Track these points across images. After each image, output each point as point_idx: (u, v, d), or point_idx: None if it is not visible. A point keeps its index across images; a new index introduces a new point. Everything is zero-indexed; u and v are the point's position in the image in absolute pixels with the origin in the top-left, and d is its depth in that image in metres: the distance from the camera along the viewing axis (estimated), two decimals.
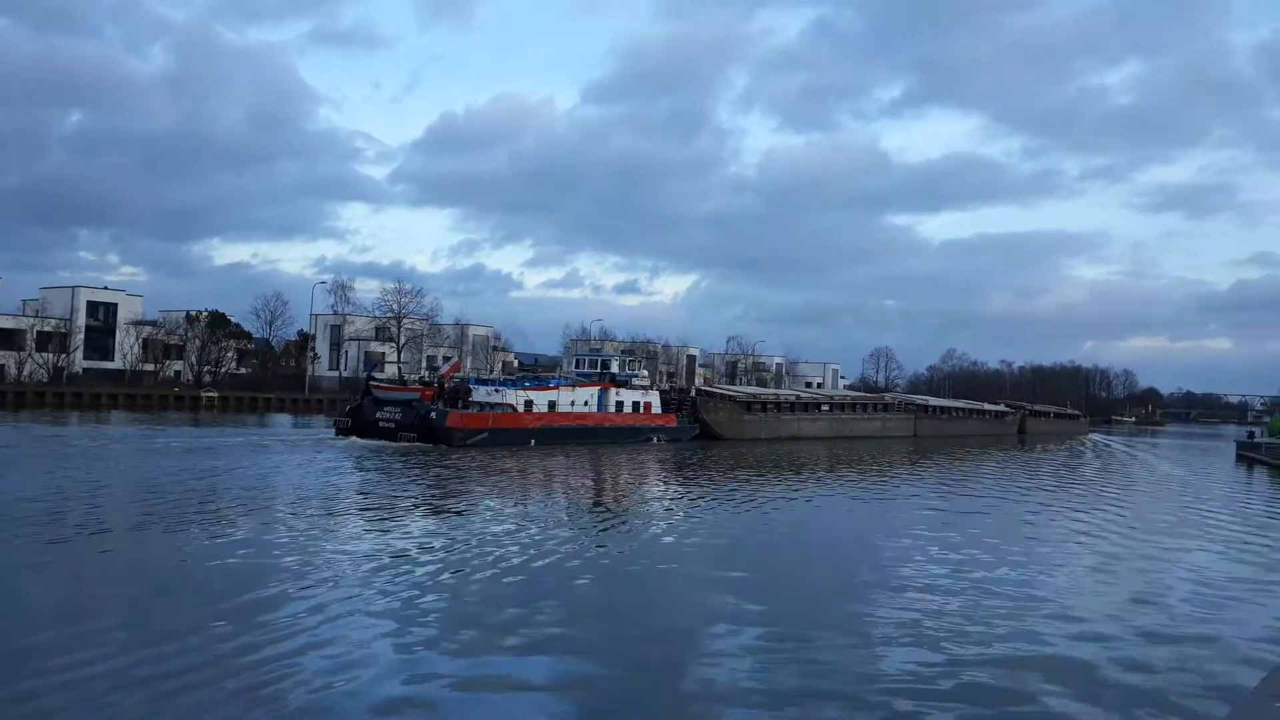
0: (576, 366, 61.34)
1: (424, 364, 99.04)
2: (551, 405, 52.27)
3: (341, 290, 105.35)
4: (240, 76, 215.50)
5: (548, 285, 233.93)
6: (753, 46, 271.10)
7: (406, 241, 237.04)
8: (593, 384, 55.97)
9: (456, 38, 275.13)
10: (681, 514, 27.43)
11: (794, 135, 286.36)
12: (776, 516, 27.25)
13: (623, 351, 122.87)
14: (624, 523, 25.16)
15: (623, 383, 57.76)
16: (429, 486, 30.47)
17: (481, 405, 49.63)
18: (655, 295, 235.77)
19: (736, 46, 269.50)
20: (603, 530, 23.24)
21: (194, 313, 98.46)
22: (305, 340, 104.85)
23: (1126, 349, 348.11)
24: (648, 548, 20.53)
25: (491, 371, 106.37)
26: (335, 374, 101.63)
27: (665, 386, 71.47)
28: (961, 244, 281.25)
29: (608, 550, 19.95)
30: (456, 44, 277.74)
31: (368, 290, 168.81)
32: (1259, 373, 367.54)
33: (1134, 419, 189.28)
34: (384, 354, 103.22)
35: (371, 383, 52.17)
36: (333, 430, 49.42)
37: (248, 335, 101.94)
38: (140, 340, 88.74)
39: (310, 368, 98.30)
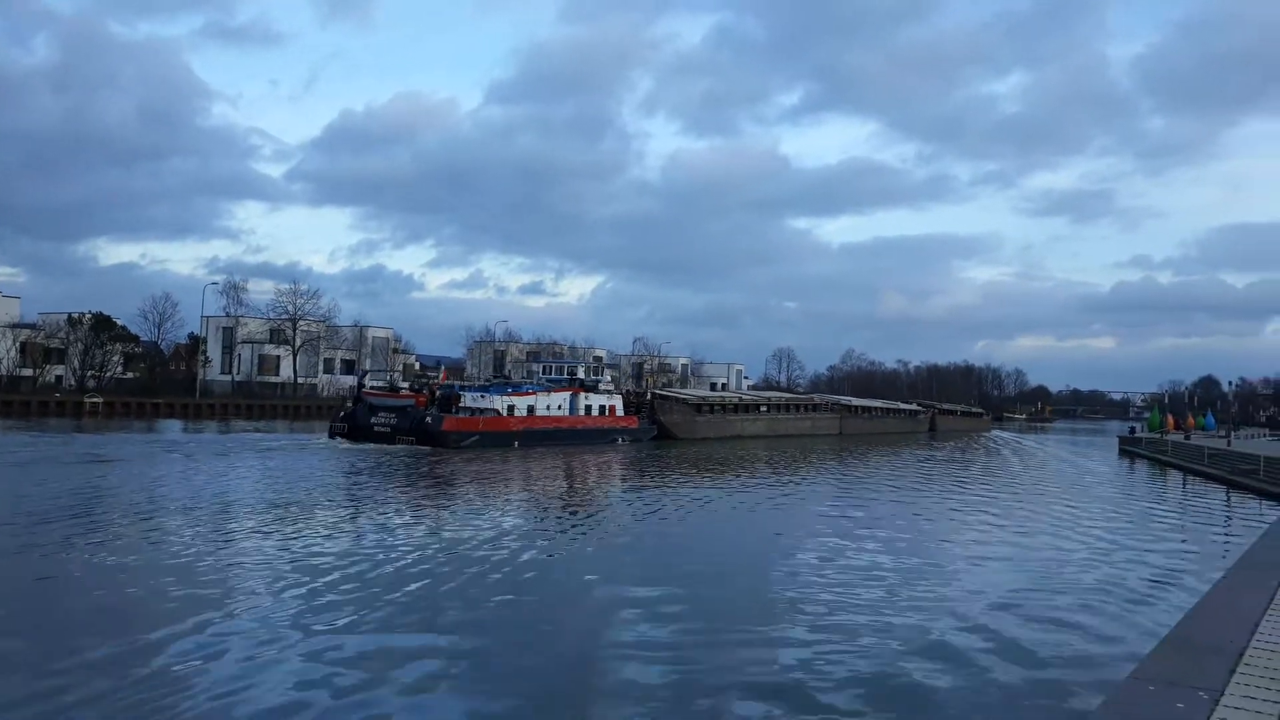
0: (544, 373, 65.05)
1: (331, 366, 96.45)
2: (530, 410, 55.83)
3: (234, 291, 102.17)
4: (130, 71, 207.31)
5: (450, 286, 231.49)
6: (656, 51, 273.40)
7: (304, 242, 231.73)
8: (564, 389, 59.72)
9: (356, 35, 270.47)
10: (638, 511, 28.02)
11: (697, 139, 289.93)
12: (721, 510, 27.36)
13: (528, 354, 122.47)
14: (595, 519, 25.49)
15: (590, 387, 62.07)
16: (455, 482, 33.91)
17: (471, 410, 52.58)
18: (561, 296, 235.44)
19: (640, 51, 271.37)
20: (571, 528, 22.91)
21: (77, 315, 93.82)
22: (196, 343, 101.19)
23: (1017, 348, 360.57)
24: (599, 544, 20.27)
25: (391, 375, 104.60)
26: (228, 378, 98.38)
27: (628, 390, 75.77)
28: (859, 247, 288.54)
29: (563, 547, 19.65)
30: (356, 42, 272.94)
31: (262, 292, 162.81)
32: (1140, 370, 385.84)
33: (1025, 416, 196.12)
34: (278, 356, 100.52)
35: (364, 390, 55.41)
36: (327, 434, 51.55)
37: (135, 338, 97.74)
38: (18, 344, 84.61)
39: (202, 371, 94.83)
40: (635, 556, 19.84)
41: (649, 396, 71.44)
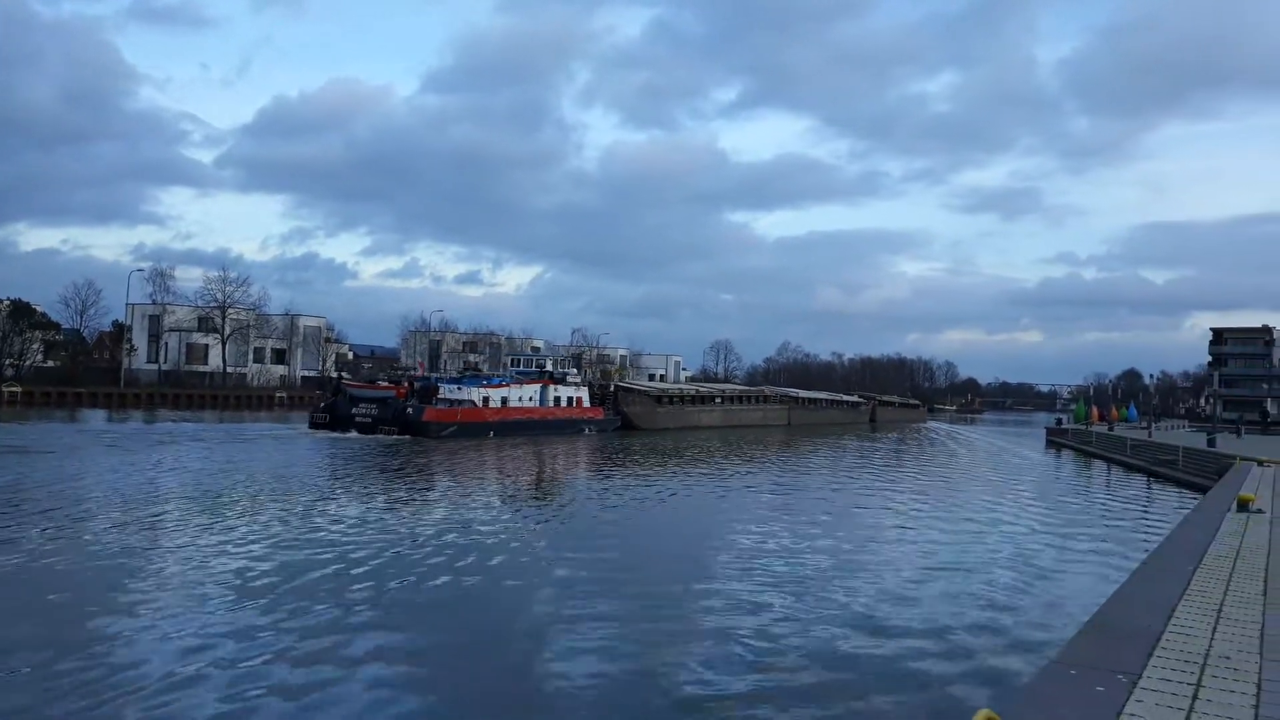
0: (513, 365, 67.94)
1: (252, 353, 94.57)
2: (504, 401, 58.03)
3: (160, 279, 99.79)
4: (53, 51, 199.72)
5: (385, 275, 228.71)
6: (595, 43, 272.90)
7: (234, 229, 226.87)
8: (534, 381, 61.83)
9: (290, 21, 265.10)
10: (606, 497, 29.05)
11: (635, 132, 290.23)
12: (681, 500, 27.43)
13: (465, 344, 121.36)
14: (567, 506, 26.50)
15: (559, 380, 64.46)
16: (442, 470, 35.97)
17: (449, 402, 54.35)
18: (498, 286, 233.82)
19: (578, 42, 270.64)
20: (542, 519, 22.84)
21: None
22: (121, 331, 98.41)
23: (947, 341, 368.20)
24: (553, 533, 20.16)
25: (325, 364, 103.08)
26: (154, 367, 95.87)
27: (592, 382, 77.55)
28: (794, 241, 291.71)
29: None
30: (290, 27, 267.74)
31: (190, 279, 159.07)
32: (1066, 363, 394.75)
33: (955, 407, 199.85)
34: (207, 345, 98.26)
35: (344, 382, 57.19)
36: (308, 425, 53.36)
37: (56, 326, 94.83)
38: None
39: (126, 360, 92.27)
40: (605, 544, 19.77)
41: (612, 389, 73.86)
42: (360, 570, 16.09)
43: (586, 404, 65.78)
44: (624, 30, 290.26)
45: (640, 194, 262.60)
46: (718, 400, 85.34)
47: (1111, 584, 13.47)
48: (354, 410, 51.53)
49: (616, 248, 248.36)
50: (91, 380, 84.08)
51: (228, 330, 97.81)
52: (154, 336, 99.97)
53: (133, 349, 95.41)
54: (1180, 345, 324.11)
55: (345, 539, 19.12)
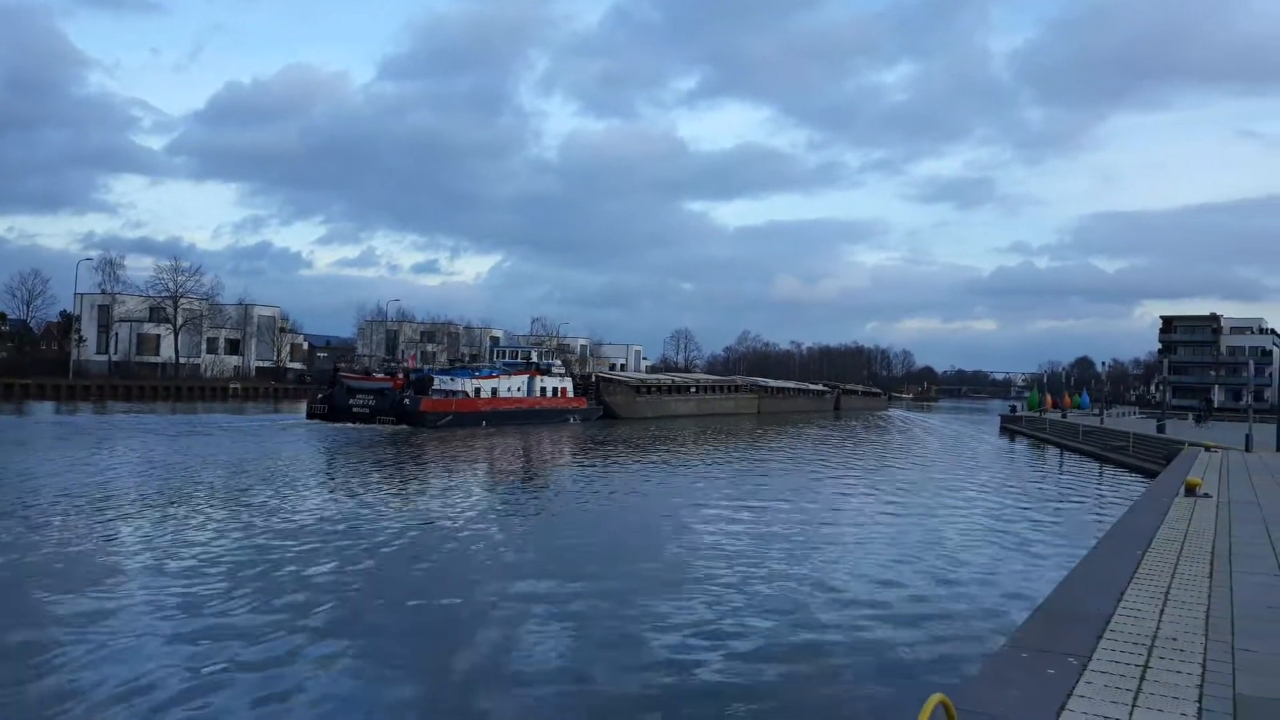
0: (500, 357, 69.79)
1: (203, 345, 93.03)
2: (494, 392, 59.99)
3: (110, 268, 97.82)
4: None
5: (341, 264, 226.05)
6: (554, 30, 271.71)
7: (186, 217, 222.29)
8: (522, 373, 63.68)
9: (243, 6, 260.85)
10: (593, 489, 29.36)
11: (595, 120, 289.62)
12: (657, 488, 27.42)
13: (423, 334, 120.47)
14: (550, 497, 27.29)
15: (544, 371, 66.39)
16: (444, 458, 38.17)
17: (444, 393, 55.97)
18: (456, 275, 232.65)
19: (537, 29, 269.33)
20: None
21: None
22: (69, 322, 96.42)
23: (904, 329, 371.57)
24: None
25: (280, 355, 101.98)
26: (104, 358, 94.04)
27: (575, 373, 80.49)
28: (754, 230, 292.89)
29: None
30: (243, 13, 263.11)
31: (141, 269, 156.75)
32: (1020, 351, 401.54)
33: (911, 395, 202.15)
34: (158, 336, 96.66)
35: (340, 374, 58.58)
36: (304, 415, 54.91)
37: (1, 316, 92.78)
38: None
39: (75, 351, 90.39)
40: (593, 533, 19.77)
41: (594, 379, 77.12)
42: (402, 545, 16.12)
43: (570, 394, 67.99)
44: (583, 18, 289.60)
45: (600, 182, 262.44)
46: (693, 390, 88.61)
47: (1063, 569, 13.66)
48: (351, 401, 53.14)
49: (576, 236, 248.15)
50: (39, 372, 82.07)
51: (180, 320, 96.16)
52: (104, 327, 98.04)
53: (82, 340, 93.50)
54: (1131, 333, 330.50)
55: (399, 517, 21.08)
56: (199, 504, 22.23)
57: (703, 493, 28.44)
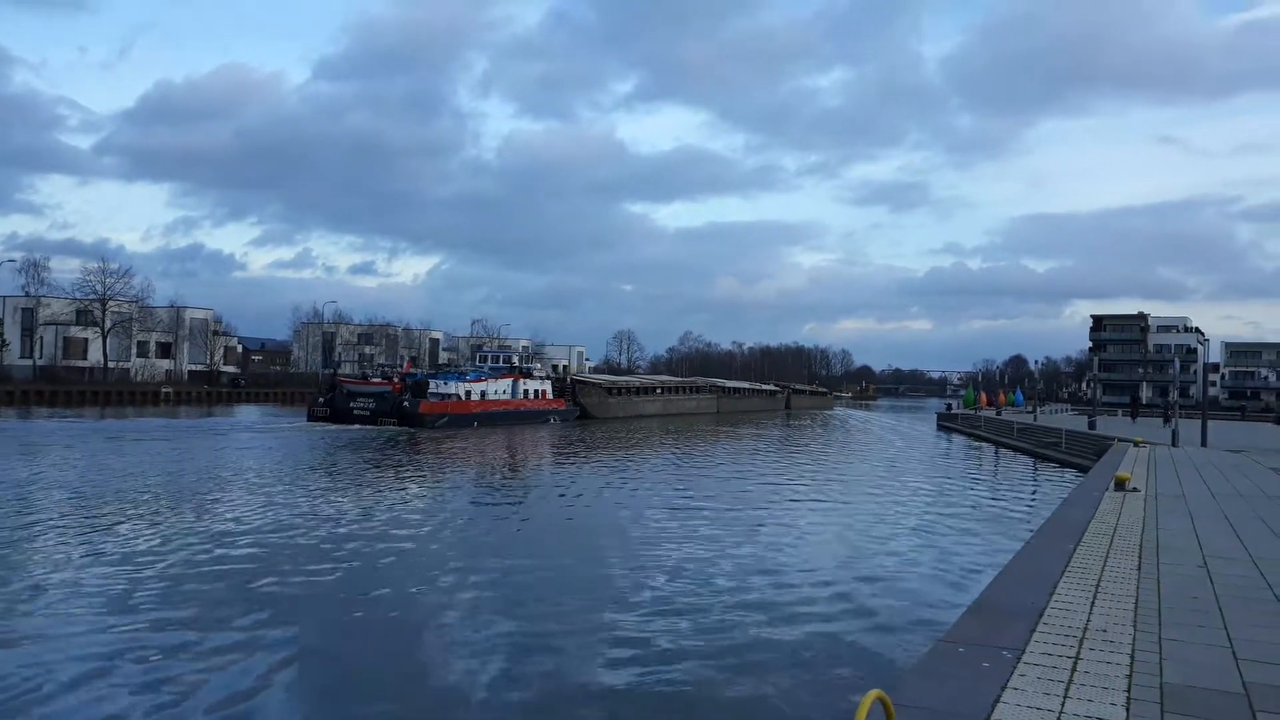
0: (483, 361, 73.66)
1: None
2: (483, 394, 63.27)
3: (35, 270, 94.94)
4: None
5: (276, 266, 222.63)
6: (493, 32, 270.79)
7: (115, 219, 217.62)
8: (506, 376, 67.22)
9: (175, 5, 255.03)
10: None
11: (533, 122, 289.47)
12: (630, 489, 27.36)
13: (360, 335, 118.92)
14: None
15: (527, 374, 70.07)
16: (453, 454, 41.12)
17: (439, 396, 59.21)
18: (394, 277, 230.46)
19: (475, 32, 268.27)
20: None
21: None
22: None
23: (842, 330, 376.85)
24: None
25: (214, 358, 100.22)
26: (29, 362, 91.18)
27: (552, 375, 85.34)
28: (693, 232, 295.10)
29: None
30: (175, 11, 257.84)
31: (68, 271, 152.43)
32: (955, 350, 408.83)
33: (851, 394, 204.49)
34: (86, 339, 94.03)
35: (340, 378, 62.72)
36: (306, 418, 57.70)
37: None
38: None
39: None
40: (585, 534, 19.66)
41: (569, 381, 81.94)
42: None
43: (550, 396, 71.67)
44: (521, 20, 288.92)
45: (540, 184, 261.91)
46: (659, 391, 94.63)
47: (997, 564, 13.90)
48: (352, 404, 56.20)
49: (517, 238, 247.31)
50: None
51: (109, 324, 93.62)
52: (28, 330, 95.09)
53: (5, 344, 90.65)
54: (1062, 332, 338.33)
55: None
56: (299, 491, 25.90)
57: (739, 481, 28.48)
